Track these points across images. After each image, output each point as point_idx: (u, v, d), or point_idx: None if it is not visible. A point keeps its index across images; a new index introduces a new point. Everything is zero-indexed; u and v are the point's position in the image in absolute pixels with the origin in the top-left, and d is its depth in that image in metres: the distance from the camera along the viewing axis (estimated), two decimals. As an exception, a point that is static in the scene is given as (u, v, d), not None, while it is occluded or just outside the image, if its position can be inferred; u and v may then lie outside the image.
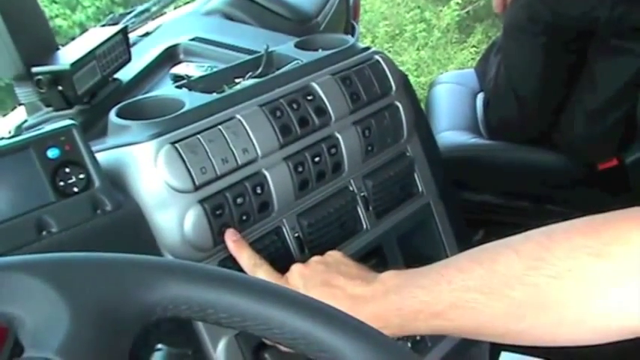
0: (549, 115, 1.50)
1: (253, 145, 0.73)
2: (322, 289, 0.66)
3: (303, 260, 0.79)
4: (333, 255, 0.72)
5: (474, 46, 3.97)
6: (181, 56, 1.04)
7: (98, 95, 0.87)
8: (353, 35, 1.81)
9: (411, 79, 3.74)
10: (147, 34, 1.22)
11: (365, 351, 0.41)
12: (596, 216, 0.58)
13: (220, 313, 0.42)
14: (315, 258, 0.72)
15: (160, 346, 0.47)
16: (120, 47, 0.89)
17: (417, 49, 4.03)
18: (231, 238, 0.71)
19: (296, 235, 0.79)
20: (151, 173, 0.67)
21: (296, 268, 0.70)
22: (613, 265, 0.55)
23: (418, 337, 0.89)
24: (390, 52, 4.01)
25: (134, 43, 1.13)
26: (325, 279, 0.68)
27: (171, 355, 0.47)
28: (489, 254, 0.61)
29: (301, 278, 0.69)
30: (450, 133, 1.54)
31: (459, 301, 0.60)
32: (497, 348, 1.11)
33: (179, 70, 0.97)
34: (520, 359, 1.17)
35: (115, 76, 0.92)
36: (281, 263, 0.78)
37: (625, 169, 1.43)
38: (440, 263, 0.65)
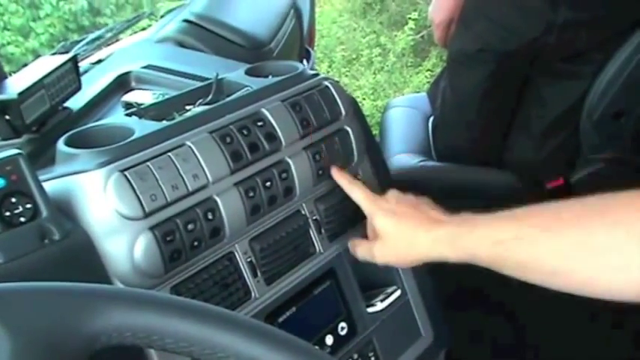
0: (496, 138, 1.54)
1: (204, 171, 0.73)
2: (409, 209, 0.80)
3: (257, 285, 0.80)
4: (424, 198, 0.84)
5: (429, 70, 4.06)
6: (133, 84, 1.04)
7: (47, 124, 0.86)
8: (309, 60, 1.84)
9: (368, 102, 3.79)
10: (99, 61, 1.23)
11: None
12: None
13: (166, 339, 0.42)
14: (411, 194, 0.85)
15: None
16: (69, 76, 0.89)
17: (374, 74, 4.10)
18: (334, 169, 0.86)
19: (248, 259, 0.80)
20: (100, 201, 0.67)
21: (393, 191, 0.84)
22: None
23: (373, 358, 0.90)
24: (347, 76, 4.06)
25: (86, 71, 1.13)
26: (414, 203, 0.82)
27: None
28: (560, 204, 0.69)
29: (395, 197, 0.82)
30: (402, 156, 1.57)
31: (522, 234, 0.68)
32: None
33: (131, 97, 0.97)
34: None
35: (66, 104, 0.91)
36: (234, 288, 0.78)
37: (571, 188, 1.47)
38: (516, 209, 0.72)
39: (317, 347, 0.84)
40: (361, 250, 0.85)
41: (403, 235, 0.79)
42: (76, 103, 0.94)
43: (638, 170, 1.46)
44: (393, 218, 0.80)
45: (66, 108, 0.91)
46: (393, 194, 0.83)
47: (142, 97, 0.96)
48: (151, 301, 0.42)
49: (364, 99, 3.79)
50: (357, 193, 0.84)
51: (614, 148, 1.44)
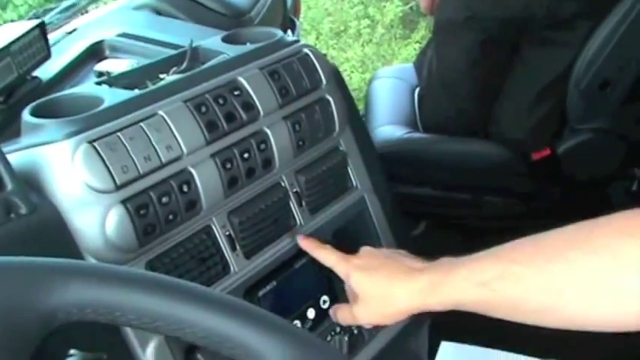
0: (483, 109, 1.52)
1: (178, 142, 0.71)
2: (384, 261, 0.75)
3: (236, 260, 0.78)
4: (400, 250, 0.80)
5: (417, 42, 4.01)
6: (107, 52, 1.01)
7: (15, 94, 0.83)
8: (293, 31, 1.80)
9: (357, 75, 3.75)
10: (75, 30, 1.19)
11: (279, 345, 0.40)
12: None
13: (129, 315, 0.40)
14: (385, 248, 0.83)
15: (72, 351, 0.45)
16: (38, 43, 0.85)
17: (362, 46, 4.05)
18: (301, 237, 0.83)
19: (227, 233, 0.78)
20: (68, 174, 0.64)
21: (366, 247, 0.80)
22: None
23: (355, 331, 0.89)
24: (334, 48, 4.02)
25: (60, 41, 1.09)
26: (389, 255, 0.77)
27: (84, 362, 0.45)
28: (540, 236, 0.65)
29: (368, 252, 0.78)
30: (388, 128, 1.55)
31: (504, 272, 0.64)
32: (436, 338, 1.12)
33: (104, 66, 0.94)
34: (460, 347, 1.18)
35: (34, 73, 0.88)
36: (211, 262, 0.76)
37: (557, 158, 1.46)
38: (494, 247, 0.68)
39: (297, 322, 0.82)
40: (341, 314, 0.79)
41: (380, 289, 0.73)
42: (46, 72, 0.91)
43: (624, 140, 1.45)
44: (367, 273, 0.74)
45: (35, 77, 0.88)
46: (365, 250, 0.79)
47: (117, 66, 0.93)
48: (111, 276, 0.40)
49: (352, 72, 3.76)
50: (328, 257, 0.79)
51: (600, 118, 1.43)
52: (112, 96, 0.71)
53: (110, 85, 0.76)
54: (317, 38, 4.08)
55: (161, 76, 0.81)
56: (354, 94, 3.29)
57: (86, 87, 0.78)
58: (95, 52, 0.99)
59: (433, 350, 1.07)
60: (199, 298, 0.40)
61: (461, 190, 1.54)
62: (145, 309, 0.40)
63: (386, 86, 1.74)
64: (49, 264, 0.39)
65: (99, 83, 0.76)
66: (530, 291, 0.63)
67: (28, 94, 0.84)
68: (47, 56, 0.88)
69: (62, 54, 0.97)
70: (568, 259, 0.61)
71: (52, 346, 0.48)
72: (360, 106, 1.90)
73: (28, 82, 0.86)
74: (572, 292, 0.61)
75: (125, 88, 0.76)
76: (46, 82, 0.89)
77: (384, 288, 0.73)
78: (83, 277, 0.39)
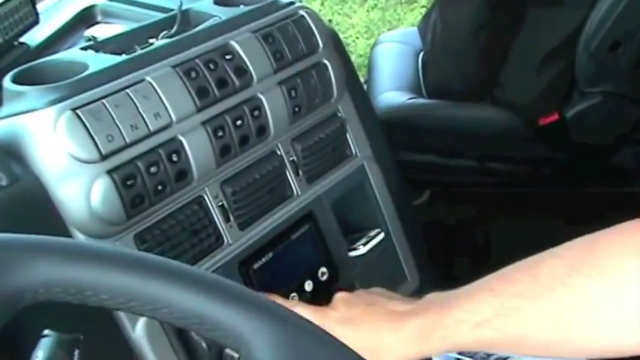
0: (489, 73, 1.48)
1: (166, 109, 0.68)
2: (364, 308, 0.67)
3: (230, 231, 0.75)
4: (376, 289, 0.73)
5: (423, 6, 3.93)
6: (99, 18, 0.98)
7: (2, 61, 0.80)
8: (295, -5, 1.75)
9: (362, 41, 3.69)
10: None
11: (263, 327, 0.38)
12: None
13: (101, 295, 0.38)
14: (360, 290, 0.74)
15: (46, 332, 0.43)
16: (24, 8, 0.82)
17: (367, 11, 3.98)
18: None
19: (220, 204, 0.75)
20: (50, 143, 0.62)
21: (340, 295, 0.71)
22: None
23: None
24: (339, 14, 3.95)
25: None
26: (368, 300, 0.69)
27: (60, 342, 0.43)
28: (533, 262, 0.60)
29: (344, 301, 0.69)
30: (391, 94, 1.51)
31: (503, 308, 0.58)
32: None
33: (95, 32, 0.91)
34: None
35: (22, 40, 0.85)
36: (204, 234, 0.74)
37: (566, 123, 1.42)
38: (484, 277, 0.63)
39: (294, 295, 0.80)
40: None
41: (368, 341, 0.65)
42: (35, 38, 0.88)
43: (635, 104, 1.41)
44: (350, 326, 0.66)
45: (23, 44, 0.85)
46: (340, 298, 0.70)
47: (108, 31, 0.90)
48: (82, 253, 0.37)
49: (357, 38, 3.70)
50: (302, 314, 0.70)
51: (610, 81, 1.39)
52: (96, 61, 0.68)
53: (96, 51, 0.73)
54: (322, 4, 4.01)
55: (150, 40, 0.78)
56: (359, 60, 3.22)
57: (70, 52, 0.75)
58: (86, 18, 0.96)
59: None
60: (177, 276, 0.38)
61: (466, 156, 1.51)
62: (119, 289, 0.37)
63: (389, 51, 1.70)
64: (14, 240, 0.37)
65: (84, 48, 0.73)
66: (534, 325, 0.58)
67: (16, 61, 0.81)
68: (35, 22, 0.85)
69: (52, 20, 0.94)
70: (570, 285, 0.55)
71: (31, 325, 0.46)
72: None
73: (16, 49, 0.83)
74: (579, 321, 0.56)
75: (112, 53, 0.73)
76: (34, 48, 0.86)
77: (371, 339, 0.65)
78: (51, 254, 0.36)
